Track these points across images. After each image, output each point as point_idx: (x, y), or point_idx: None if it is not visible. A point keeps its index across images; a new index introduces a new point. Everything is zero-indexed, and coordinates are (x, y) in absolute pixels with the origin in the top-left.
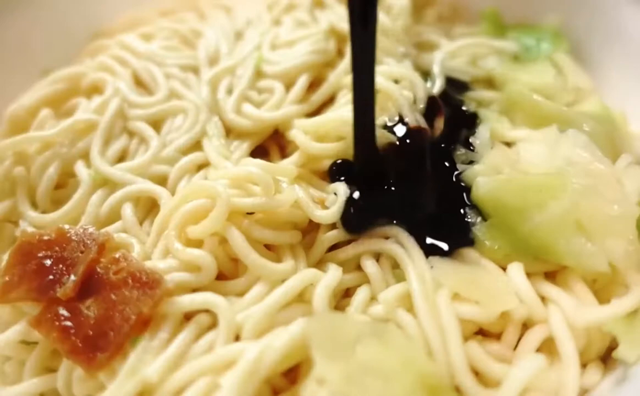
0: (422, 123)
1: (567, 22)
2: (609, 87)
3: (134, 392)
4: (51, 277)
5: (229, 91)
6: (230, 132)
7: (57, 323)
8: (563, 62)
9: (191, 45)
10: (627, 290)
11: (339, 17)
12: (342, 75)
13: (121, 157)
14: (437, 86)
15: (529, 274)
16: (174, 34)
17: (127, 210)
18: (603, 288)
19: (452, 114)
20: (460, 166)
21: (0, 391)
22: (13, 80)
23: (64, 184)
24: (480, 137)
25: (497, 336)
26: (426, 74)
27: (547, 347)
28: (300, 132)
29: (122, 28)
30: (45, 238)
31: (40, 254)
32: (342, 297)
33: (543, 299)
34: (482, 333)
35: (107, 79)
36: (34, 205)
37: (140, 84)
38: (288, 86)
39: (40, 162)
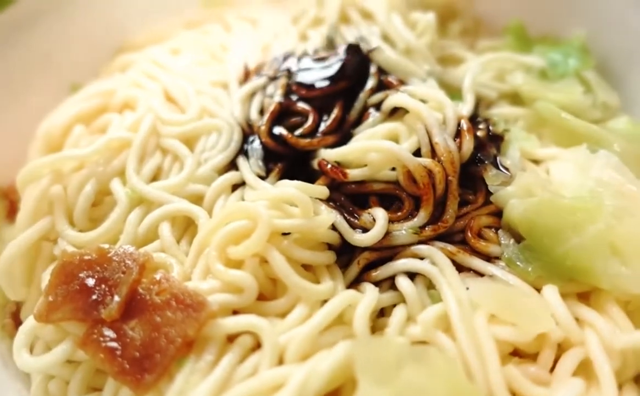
0: (451, 145)
1: (593, 38)
2: (636, 104)
3: None
4: (95, 297)
5: (261, 111)
6: (264, 152)
7: (103, 344)
8: (591, 79)
9: (219, 60)
10: None
11: (363, 35)
12: (369, 93)
13: (155, 175)
14: (467, 106)
15: (563, 296)
16: (201, 48)
17: (165, 230)
18: (636, 310)
19: (481, 132)
20: (492, 187)
21: None
22: (41, 93)
23: (100, 202)
24: (511, 157)
25: (532, 357)
26: (451, 90)
27: (583, 369)
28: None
29: (148, 41)
30: (87, 257)
31: (82, 274)
32: (377, 316)
33: (578, 321)
34: (518, 353)
35: (138, 96)
36: (71, 223)
37: (170, 99)
38: (319, 110)
39: (77, 181)
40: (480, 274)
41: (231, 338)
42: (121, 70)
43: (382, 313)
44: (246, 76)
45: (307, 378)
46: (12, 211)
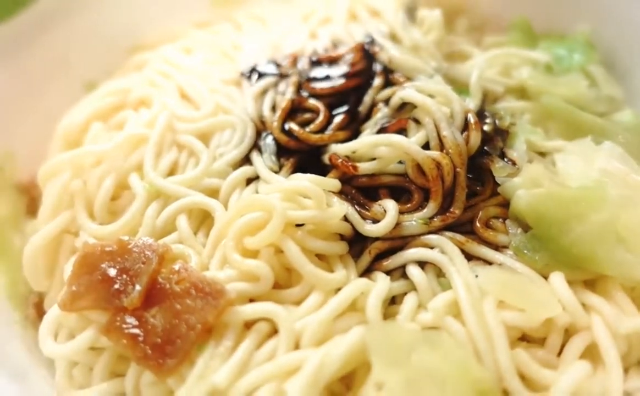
0: (459, 138)
1: (597, 32)
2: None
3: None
4: (116, 286)
5: (274, 107)
6: (277, 147)
7: (126, 331)
8: (595, 73)
9: (231, 58)
10: None
11: (371, 33)
12: (377, 90)
13: (172, 170)
14: (474, 101)
15: (569, 283)
16: (213, 47)
17: (183, 222)
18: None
19: (488, 126)
20: (499, 179)
21: (72, 395)
22: (58, 91)
23: (118, 196)
24: (518, 149)
25: (540, 342)
26: (459, 85)
27: (590, 353)
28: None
29: (161, 41)
30: (108, 249)
31: (103, 265)
32: (389, 304)
33: (584, 307)
34: (525, 338)
35: (154, 94)
36: (91, 216)
37: (185, 97)
38: (330, 106)
39: (97, 176)
40: (488, 262)
41: (248, 325)
42: (136, 69)
43: (393, 301)
44: (258, 74)
45: (322, 361)
46: (32, 206)
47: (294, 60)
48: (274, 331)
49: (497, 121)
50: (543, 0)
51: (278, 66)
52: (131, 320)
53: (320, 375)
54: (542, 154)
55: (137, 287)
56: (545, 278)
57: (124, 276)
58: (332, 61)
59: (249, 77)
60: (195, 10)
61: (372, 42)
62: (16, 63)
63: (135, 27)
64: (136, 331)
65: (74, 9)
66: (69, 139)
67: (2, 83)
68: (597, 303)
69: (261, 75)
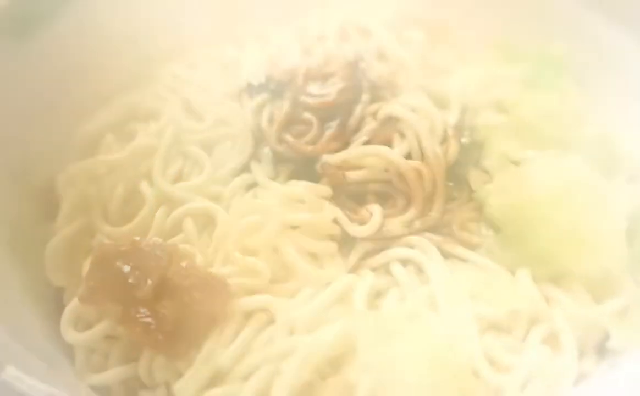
0: (438, 149)
1: (569, 52)
2: (605, 111)
3: (208, 376)
4: (130, 281)
5: (271, 120)
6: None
7: (140, 320)
8: (566, 88)
9: (232, 74)
10: (619, 291)
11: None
12: (366, 105)
13: (178, 177)
14: (453, 115)
15: (534, 278)
16: (216, 63)
17: (189, 224)
18: (599, 290)
19: (465, 138)
20: (474, 186)
21: (91, 377)
22: (71, 104)
23: (130, 200)
24: (492, 159)
25: (507, 330)
26: (440, 100)
27: (550, 340)
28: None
29: (168, 56)
30: (122, 248)
31: (118, 263)
32: (375, 297)
33: (547, 299)
34: (494, 327)
35: (161, 107)
36: (106, 219)
37: (190, 110)
38: (322, 119)
39: (111, 183)
40: (463, 260)
41: (248, 315)
42: (145, 83)
43: (378, 294)
44: (257, 89)
45: (314, 345)
46: (50, 210)
47: (290, 76)
48: (272, 321)
49: (474, 134)
50: (522, 21)
51: (275, 81)
52: (144, 311)
53: (312, 357)
54: (515, 163)
55: (149, 282)
56: (513, 274)
57: (137, 272)
58: (325, 77)
59: (249, 92)
60: (199, 27)
61: (362, 60)
62: (36, 79)
63: (144, 43)
64: (149, 320)
65: (87, 27)
66: (85, 148)
67: (23, 99)
68: (558, 295)
69: (260, 90)
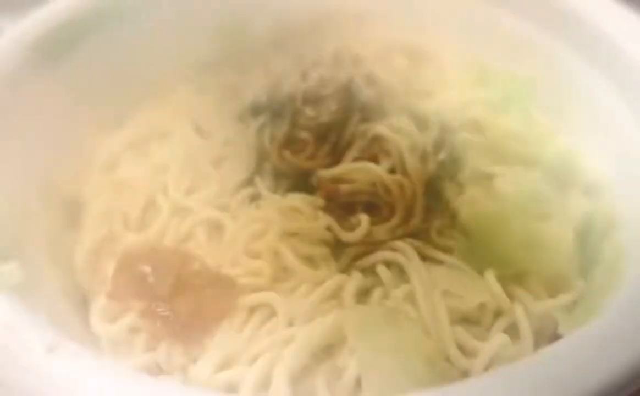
0: (418, 165)
1: (537, 77)
2: (566, 132)
3: (220, 361)
4: (150, 280)
5: (272, 139)
6: (274, 171)
7: (160, 314)
8: (532, 111)
9: (236, 96)
10: (569, 288)
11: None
12: (356, 125)
13: (190, 190)
14: (433, 134)
15: (499, 278)
16: (221, 88)
17: (200, 232)
18: (553, 287)
19: (443, 155)
20: (450, 197)
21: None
22: (90, 123)
23: (148, 210)
24: (466, 173)
25: (476, 322)
26: (422, 120)
27: (512, 329)
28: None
29: (176, 81)
30: (142, 253)
31: (139, 265)
32: (363, 294)
33: (510, 295)
34: (465, 319)
35: (174, 128)
36: (127, 227)
37: (199, 130)
38: (317, 138)
39: (131, 195)
40: (439, 262)
41: (253, 309)
42: (158, 105)
43: (365, 292)
44: (259, 110)
45: (310, 335)
46: (72, 220)
47: (289, 99)
48: (273, 314)
49: (450, 151)
50: (498, 48)
51: (275, 103)
52: (163, 306)
53: (308, 345)
54: (486, 177)
55: (167, 281)
56: (481, 274)
57: (156, 273)
58: (320, 100)
59: (252, 113)
60: (205, 52)
61: (353, 84)
62: (61, 101)
63: (157, 67)
64: (167, 314)
65: (107, 54)
66: (106, 164)
67: (49, 118)
68: (519, 292)
69: (262, 111)
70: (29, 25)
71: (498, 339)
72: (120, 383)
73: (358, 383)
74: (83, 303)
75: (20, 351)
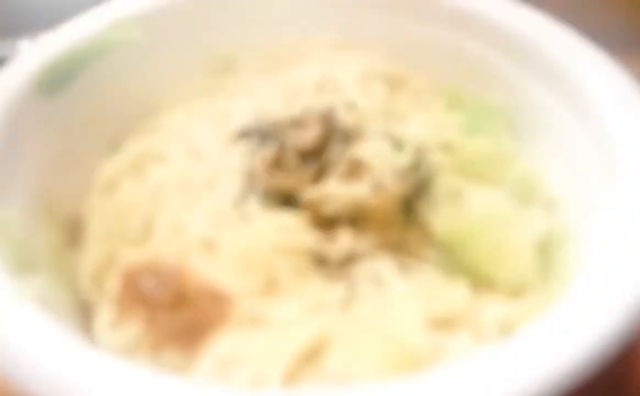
0: (395, 185)
1: (506, 101)
2: (530, 153)
3: (218, 363)
4: (153, 293)
5: (261, 161)
6: (263, 191)
7: (163, 323)
8: (499, 133)
9: (226, 121)
10: (529, 294)
11: (334, 102)
12: (338, 148)
13: (185, 209)
14: (409, 156)
15: (468, 285)
16: (212, 113)
17: (196, 248)
18: (516, 294)
19: (419, 174)
20: (424, 214)
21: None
22: (87, 146)
23: (146, 229)
24: (438, 191)
25: (449, 326)
26: (399, 143)
27: (480, 332)
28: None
29: (168, 105)
30: (143, 268)
31: (141, 279)
32: (346, 302)
33: (477, 301)
34: (439, 323)
35: (169, 151)
36: (128, 245)
37: (192, 153)
38: (302, 160)
39: (131, 215)
40: (415, 272)
41: (247, 317)
42: (152, 130)
43: (349, 301)
44: (248, 135)
45: (298, 339)
46: (74, 239)
47: (276, 124)
48: (265, 321)
49: (424, 171)
50: (469, 73)
51: (263, 128)
52: (165, 316)
53: (298, 349)
54: (459, 194)
55: (168, 292)
56: (452, 282)
57: (157, 285)
58: (304, 125)
59: (242, 137)
60: (196, 80)
61: (335, 110)
62: (61, 127)
63: (149, 94)
64: (170, 322)
65: (104, 82)
66: (106, 186)
67: (51, 144)
68: (485, 299)
69: (251, 136)
70: (30, 59)
71: (466, 340)
72: (142, 382)
73: (343, 382)
74: (86, 316)
75: (51, 352)
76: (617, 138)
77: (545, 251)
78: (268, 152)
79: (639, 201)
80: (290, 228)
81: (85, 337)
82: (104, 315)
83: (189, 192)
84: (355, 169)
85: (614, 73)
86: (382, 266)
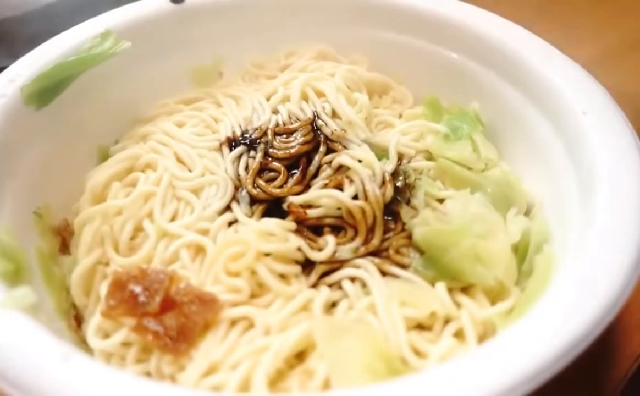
0: (378, 191)
1: (483, 108)
2: (508, 159)
3: (205, 368)
4: (141, 299)
5: (246, 169)
6: (250, 198)
7: (150, 329)
8: (478, 140)
9: (213, 130)
10: (508, 296)
11: (318, 110)
12: (322, 155)
13: (173, 216)
14: (391, 163)
15: (449, 289)
16: (199, 121)
17: (184, 254)
18: (494, 296)
19: (400, 182)
20: (405, 219)
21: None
22: (78, 154)
23: (136, 236)
24: (418, 198)
25: (429, 328)
26: (381, 150)
27: (459, 333)
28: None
29: (157, 115)
30: (132, 274)
31: (130, 285)
32: (330, 307)
33: (458, 304)
34: (419, 326)
35: (158, 159)
36: (117, 252)
37: (180, 161)
38: (288, 167)
39: (120, 222)
40: (397, 277)
41: (234, 322)
42: (141, 138)
43: (333, 305)
44: (234, 142)
45: (284, 342)
46: (64, 246)
47: (261, 132)
48: (252, 326)
49: (407, 178)
50: (448, 83)
51: (249, 136)
52: (153, 322)
53: (283, 350)
54: (439, 200)
55: (156, 299)
56: (433, 286)
57: (146, 292)
58: (289, 132)
59: (228, 145)
60: (183, 89)
61: (319, 117)
62: (51, 138)
63: (137, 103)
64: (158, 328)
65: (93, 94)
66: (95, 194)
67: (41, 154)
68: (465, 301)
69: (237, 143)
70: (19, 72)
71: (447, 342)
72: (130, 388)
73: (327, 382)
74: (76, 321)
75: (39, 360)
76: (593, 145)
77: (522, 255)
78: (255, 159)
79: (613, 207)
80: (276, 234)
81: (74, 343)
82: (93, 321)
83: (177, 199)
84: (340, 176)
85: (589, 83)
86: (366, 271)
